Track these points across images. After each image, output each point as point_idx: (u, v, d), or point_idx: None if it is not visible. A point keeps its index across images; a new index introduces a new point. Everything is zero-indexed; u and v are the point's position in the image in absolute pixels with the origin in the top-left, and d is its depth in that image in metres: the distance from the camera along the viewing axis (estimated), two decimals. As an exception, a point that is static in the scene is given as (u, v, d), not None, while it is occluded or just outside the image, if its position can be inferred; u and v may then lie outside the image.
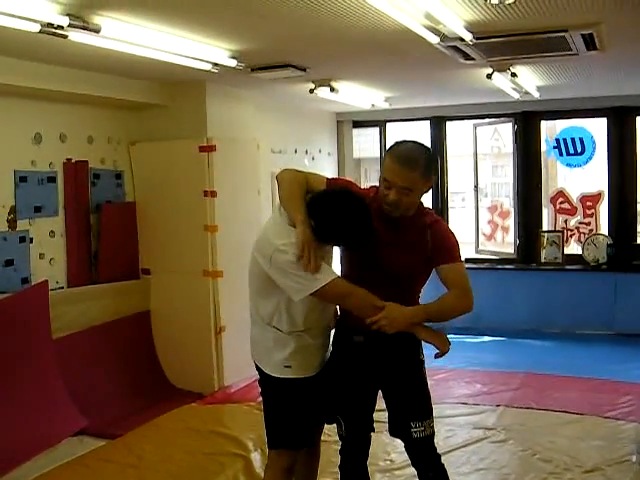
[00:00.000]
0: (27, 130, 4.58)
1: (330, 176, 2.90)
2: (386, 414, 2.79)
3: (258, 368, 2.80)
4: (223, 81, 5.15)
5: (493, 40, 3.84)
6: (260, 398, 2.90)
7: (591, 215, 7.22)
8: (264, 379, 2.78)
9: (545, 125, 7.58)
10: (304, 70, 4.70)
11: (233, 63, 4.19)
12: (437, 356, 2.58)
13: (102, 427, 4.54)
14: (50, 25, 3.07)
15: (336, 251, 2.80)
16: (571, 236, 7.30)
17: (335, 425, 2.85)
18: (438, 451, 2.79)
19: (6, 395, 4.10)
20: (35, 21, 3.04)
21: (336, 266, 2.74)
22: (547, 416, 4.67)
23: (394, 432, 2.79)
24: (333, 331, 2.86)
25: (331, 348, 2.83)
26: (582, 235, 7.21)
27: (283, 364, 2.69)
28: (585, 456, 3.97)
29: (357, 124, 7.86)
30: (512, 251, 7.40)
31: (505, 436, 4.34)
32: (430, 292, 2.77)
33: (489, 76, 4.84)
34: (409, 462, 2.83)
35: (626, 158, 6.97)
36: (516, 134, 7.26)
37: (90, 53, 3.82)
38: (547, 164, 8.45)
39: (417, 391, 2.75)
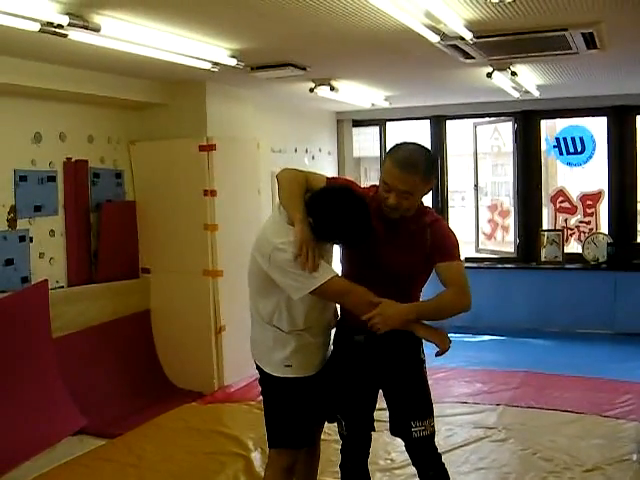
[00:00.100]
0: (27, 129, 4.58)
1: (330, 175, 2.90)
2: (387, 413, 2.79)
3: (258, 367, 2.80)
4: (223, 80, 5.15)
5: (493, 39, 3.83)
6: (260, 397, 2.91)
7: (591, 214, 7.22)
8: (264, 378, 2.78)
9: (545, 124, 7.57)
10: (304, 69, 4.69)
11: (233, 62, 4.18)
12: (438, 354, 2.57)
13: (102, 427, 4.54)
14: (50, 24, 3.07)
15: (337, 251, 2.80)
16: (571, 235, 7.31)
17: (335, 424, 2.85)
18: (438, 450, 2.79)
19: (6, 395, 4.10)
20: (35, 20, 3.03)
21: (337, 265, 2.74)
22: (547, 415, 4.67)
23: (395, 431, 2.79)
24: (334, 330, 2.86)
25: (332, 347, 2.83)
26: (582, 234, 7.21)
27: (283, 363, 2.69)
28: (585, 455, 3.98)
29: (357, 123, 7.85)
30: (512, 250, 7.40)
31: (505, 435, 4.34)
32: (430, 293, 2.76)
33: (489, 75, 4.84)
34: (409, 461, 2.83)
35: (626, 157, 6.97)
36: (516, 133, 7.26)
37: (90, 52, 3.81)
38: (547, 163, 8.44)
39: (417, 390, 2.75)
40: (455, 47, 4.02)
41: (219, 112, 5.37)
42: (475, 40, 3.77)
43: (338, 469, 2.91)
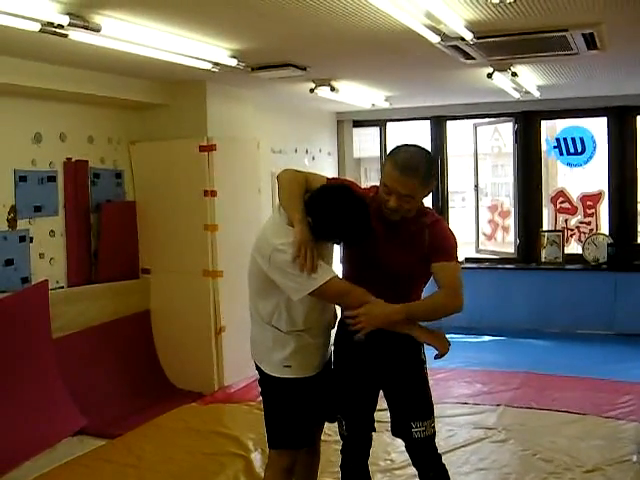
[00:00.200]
0: (27, 129, 4.58)
1: (330, 176, 2.90)
2: (387, 414, 2.80)
3: (258, 368, 2.80)
4: (223, 81, 5.15)
5: (494, 39, 3.83)
6: (260, 398, 2.90)
7: (591, 215, 7.21)
8: (264, 379, 2.78)
9: (545, 125, 7.57)
10: (304, 69, 4.69)
11: (233, 62, 4.18)
12: (437, 357, 2.58)
13: (102, 427, 4.54)
14: (50, 24, 3.07)
15: (338, 252, 2.80)
16: (571, 236, 7.30)
17: (335, 424, 2.86)
18: (438, 451, 2.79)
19: (6, 395, 4.10)
20: (35, 20, 3.03)
21: (337, 266, 2.74)
22: (547, 416, 4.67)
23: (395, 432, 2.79)
24: (334, 330, 2.85)
25: (332, 347, 2.83)
26: (582, 235, 7.21)
27: (283, 364, 2.68)
28: (585, 456, 3.97)
29: (357, 123, 7.85)
30: (512, 251, 7.39)
31: (505, 436, 4.34)
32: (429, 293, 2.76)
33: (489, 75, 4.84)
34: (410, 462, 2.84)
35: (626, 158, 6.97)
36: (516, 134, 7.26)
37: (90, 52, 3.81)
38: (547, 164, 8.45)
39: (418, 391, 2.75)
40: (455, 48, 4.02)
41: (219, 112, 5.37)
42: (475, 41, 3.77)
43: (338, 469, 2.92)
